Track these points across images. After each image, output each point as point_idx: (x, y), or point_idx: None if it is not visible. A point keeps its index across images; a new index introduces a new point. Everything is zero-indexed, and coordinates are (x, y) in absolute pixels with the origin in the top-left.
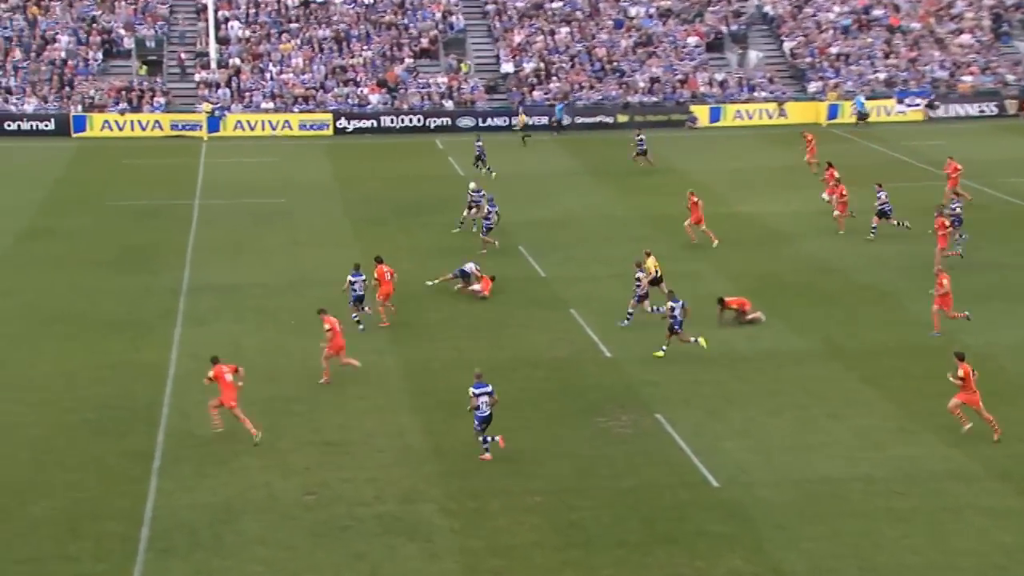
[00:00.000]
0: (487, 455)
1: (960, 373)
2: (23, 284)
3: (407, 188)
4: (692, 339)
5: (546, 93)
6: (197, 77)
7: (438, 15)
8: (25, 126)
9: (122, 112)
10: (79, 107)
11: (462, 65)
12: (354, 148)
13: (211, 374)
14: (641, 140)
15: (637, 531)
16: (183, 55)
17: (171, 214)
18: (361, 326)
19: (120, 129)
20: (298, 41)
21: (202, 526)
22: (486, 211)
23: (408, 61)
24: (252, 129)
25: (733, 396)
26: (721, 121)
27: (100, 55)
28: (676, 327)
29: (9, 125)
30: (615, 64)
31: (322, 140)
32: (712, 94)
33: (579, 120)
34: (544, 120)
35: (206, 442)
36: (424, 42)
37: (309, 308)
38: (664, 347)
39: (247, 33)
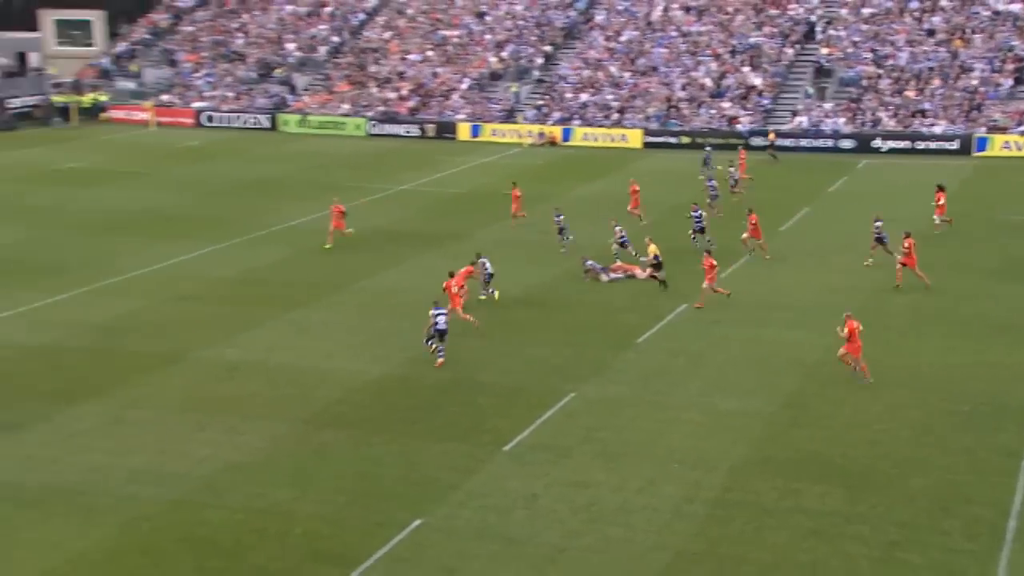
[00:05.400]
0: (441, 360)
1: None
2: (911, 284)
3: None
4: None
5: None
6: None
7: None
8: (932, 145)
9: (1022, 134)
10: (983, 129)
11: None
12: None
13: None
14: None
15: None
16: None
17: None
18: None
19: (1019, 149)
20: None
21: None
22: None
23: None
24: None
25: None
26: None
27: (1010, 81)
28: None
29: (918, 144)
30: None
31: None
32: None
33: None
34: None
35: None
36: None
37: None
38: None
39: None
